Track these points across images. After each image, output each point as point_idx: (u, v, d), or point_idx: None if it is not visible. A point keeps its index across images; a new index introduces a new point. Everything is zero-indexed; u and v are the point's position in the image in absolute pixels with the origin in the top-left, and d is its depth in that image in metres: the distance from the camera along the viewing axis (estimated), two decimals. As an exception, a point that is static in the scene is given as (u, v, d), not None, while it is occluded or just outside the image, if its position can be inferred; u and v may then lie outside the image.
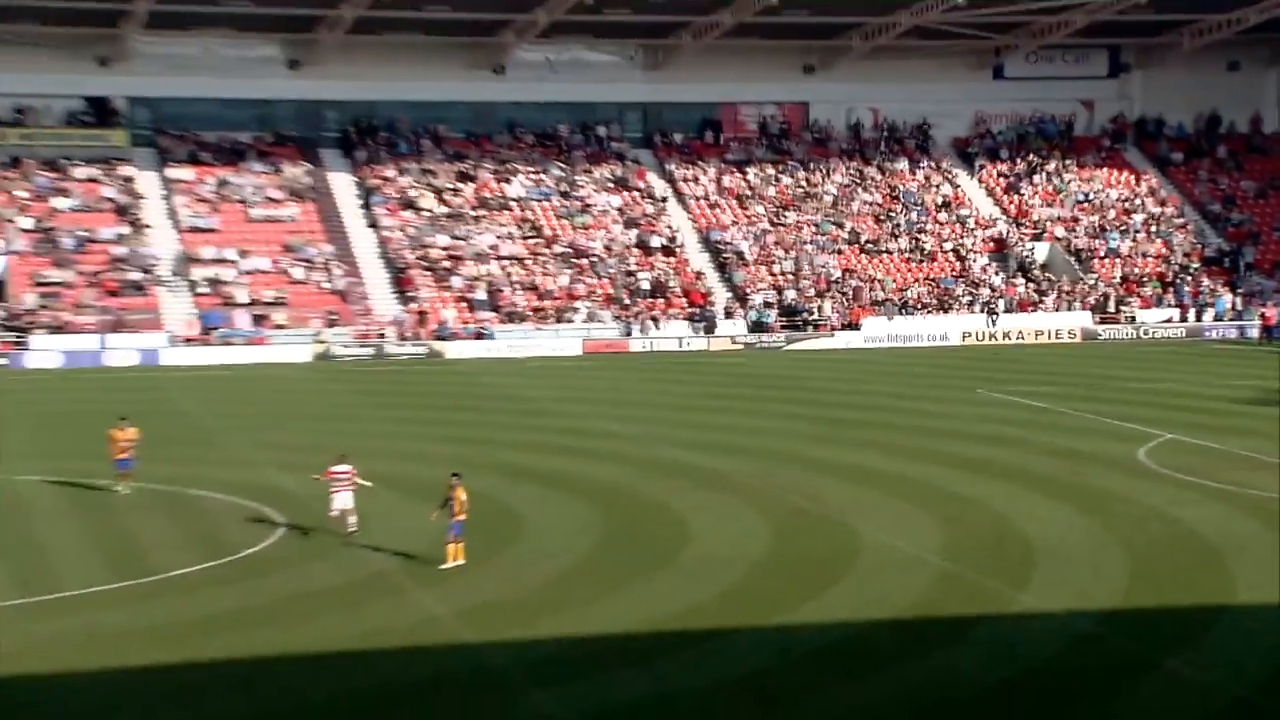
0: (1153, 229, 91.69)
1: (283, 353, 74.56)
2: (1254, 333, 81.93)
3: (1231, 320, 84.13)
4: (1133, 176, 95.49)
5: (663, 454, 51.65)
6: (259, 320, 76.51)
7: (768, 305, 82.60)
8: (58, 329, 73.89)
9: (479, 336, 77.79)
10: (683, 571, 36.40)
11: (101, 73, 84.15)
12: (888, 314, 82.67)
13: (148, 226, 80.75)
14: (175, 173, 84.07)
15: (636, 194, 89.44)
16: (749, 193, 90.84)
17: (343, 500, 39.70)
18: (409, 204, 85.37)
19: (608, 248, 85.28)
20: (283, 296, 78.35)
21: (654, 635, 31.00)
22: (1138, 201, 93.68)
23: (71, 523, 40.70)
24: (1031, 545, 39.14)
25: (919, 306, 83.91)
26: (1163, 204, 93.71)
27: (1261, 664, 29.47)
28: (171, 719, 26.28)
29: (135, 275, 77.66)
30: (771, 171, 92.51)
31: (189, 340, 74.85)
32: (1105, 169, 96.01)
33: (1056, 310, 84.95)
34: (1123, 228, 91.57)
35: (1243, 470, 47.64)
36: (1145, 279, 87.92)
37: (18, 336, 72.79)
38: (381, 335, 76.96)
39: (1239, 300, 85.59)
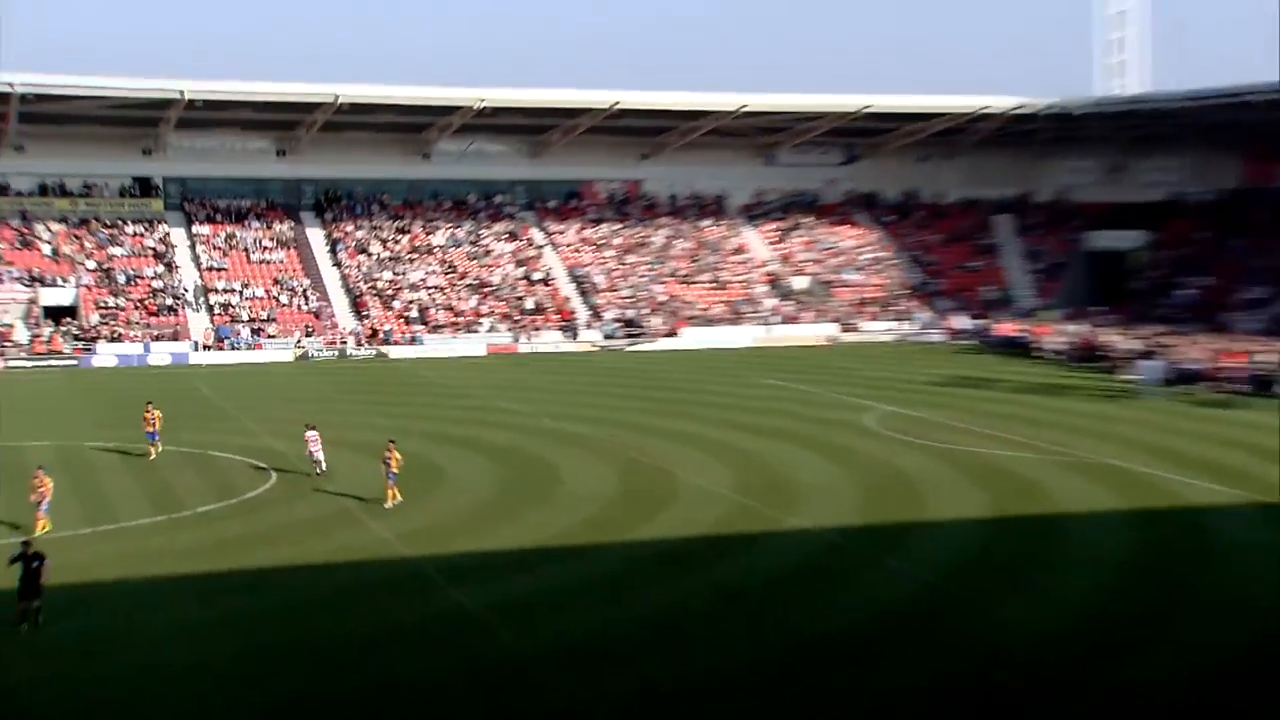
0: (875, 268, 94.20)
1: (273, 355, 75.93)
2: (942, 336, 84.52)
3: (927, 329, 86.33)
4: (861, 232, 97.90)
5: (541, 424, 52.50)
6: (256, 332, 78.01)
7: (614, 320, 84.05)
8: (114, 339, 74.89)
9: (412, 342, 78.82)
10: (556, 505, 38.13)
11: (145, 160, 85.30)
12: (696, 325, 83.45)
13: (177, 267, 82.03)
14: (197, 229, 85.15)
15: (522, 243, 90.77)
16: (601, 242, 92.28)
17: (316, 451, 41.88)
18: (363, 249, 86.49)
19: (502, 280, 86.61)
20: (273, 315, 79.81)
21: (537, 550, 32.78)
22: (864, 249, 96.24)
23: (124, 475, 41.71)
24: (796, 484, 41.15)
25: (718, 321, 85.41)
26: (881, 250, 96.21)
27: (945, 558, 32.48)
28: (197, 614, 27.67)
29: (169, 301, 79.04)
30: (617, 228, 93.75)
31: (207, 347, 76.01)
32: (843, 226, 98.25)
33: (812, 323, 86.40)
34: (855, 266, 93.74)
35: (938, 431, 49.90)
36: (871, 301, 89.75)
37: (86, 345, 73.98)
38: (344, 343, 78.26)
39: (932, 316, 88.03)
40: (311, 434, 42.79)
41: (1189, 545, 34.78)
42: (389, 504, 36.62)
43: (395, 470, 36.77)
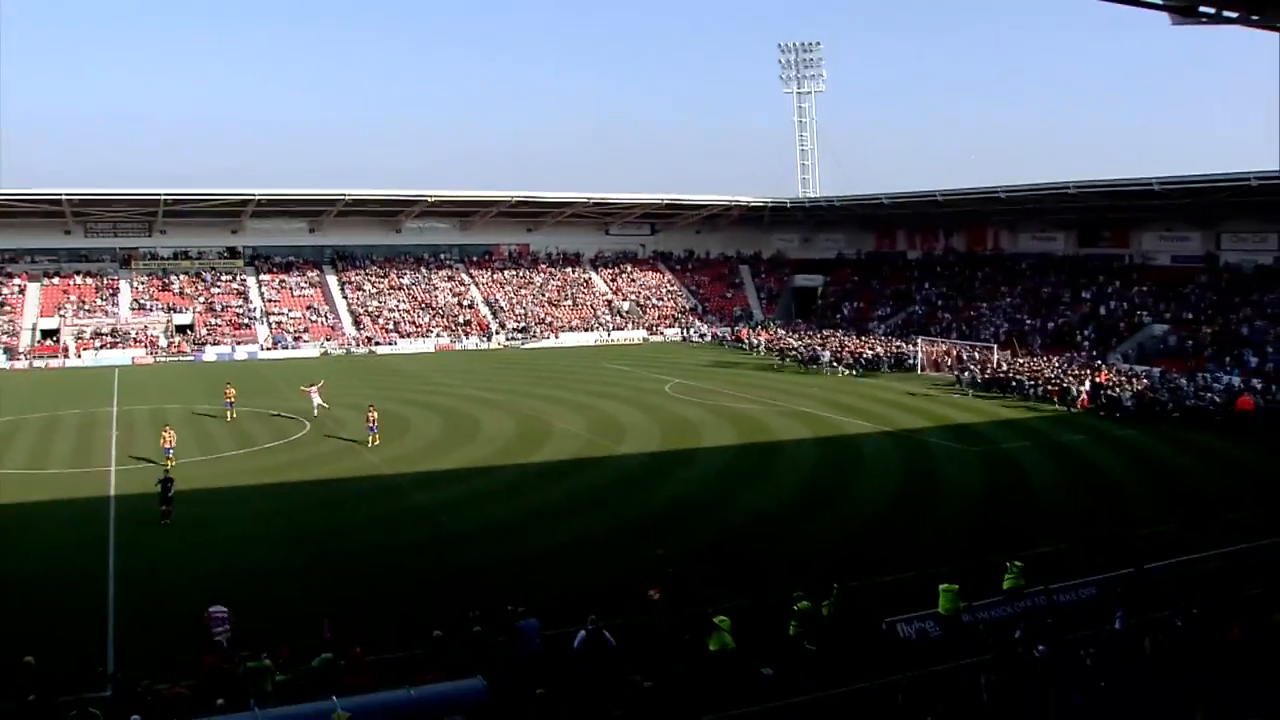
0: (669, 297, 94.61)
1: (306, 353, 75.21)
2: (707, 340, 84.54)
3: (700, 334, 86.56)
4: (660, 275, 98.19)
5: (469, 393, 51.49)
6: (295, 339, 77.21)
7: (513, 329, 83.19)
8: (214, 343, 74.28)
9: (391, 343, 77.77)
10: (478, 442, 38.32)
11: (232, 235, 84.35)
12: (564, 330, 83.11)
13: (249, 300, 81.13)
14: (263, 278, 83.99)
15: (456, 282, 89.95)
16: (506, 282, 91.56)
17: (317, 399, 43.97)
18: (360, 289, 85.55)
19: (445, 303, 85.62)
20: (307, 328, 79.23)
21: (467, 469, 33.59)
22: (665, 286, 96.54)
23: (219, 425, 42.03)
24: (623, 426, 41.30)
25: (577, 329, 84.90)
26: (673, 287, 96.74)
27: (714, 472, 33.06)
28: (263, 506, 28.75)
29: (245, 320, 78.21)
30: (516, 274, 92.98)
31: (268, 348, 75.38)
32: (650, 272, 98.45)
33: (635, 329, 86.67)
34: (657, 298, 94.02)
35: (707, 394, 50.29)
36: (666, 316, 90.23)
37: (197, 347, 73.43)
38: (349, 345, 77.41)
39: (705, 325, 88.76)
40: (312, 389, 43.81)
41: (849, 456, 36.22)
42: (371, 445, 36.82)
43: (373, 424, 37.18)
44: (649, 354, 73.32)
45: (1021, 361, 56.73)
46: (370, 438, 36.59)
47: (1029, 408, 46.69)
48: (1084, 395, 46.37)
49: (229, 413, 43.04)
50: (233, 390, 43.57)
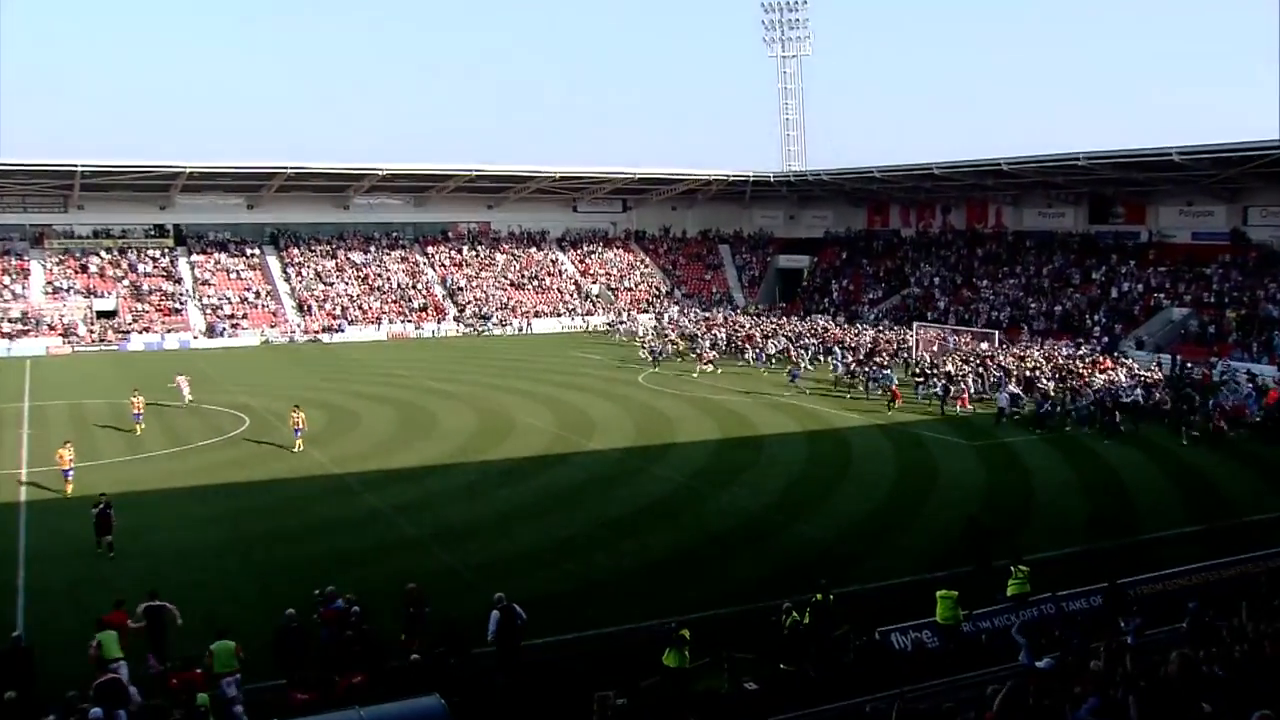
0: (644, 279, 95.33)
1: (245, 341, 75.08)
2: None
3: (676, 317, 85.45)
4: (633, 256, 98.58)
5: (424, 384, 52.04)
6: (234, 326, 76.98)
7: (472, 315, 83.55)
8: (142, 331, 73.82)
9: (339, 331, 77.92)
10: (435, 438, 38.54)
11: (161, 212, 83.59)
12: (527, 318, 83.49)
13: (182, 282, 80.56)
14: (195, 259, 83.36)
15: (411, 264, 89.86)
16: (465, 262, 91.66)
17: (186, 391, 45.01)
18: (304, 271, 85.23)
19: (399, 287, 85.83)
20: (246, 314, 78.91)
21: (424, 468, 33.65)
22: (637, 267, 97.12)
23: (150, 421, 41.11)
24: (593, 419, 41.83)
25: (543, 315, 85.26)
26: (647, 268, 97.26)
27: (692, 467, 33.63)
28: (199, 511, 28.43)
29: (177, 305, 77.79)
30: (476, 253, 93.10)
31: (202, 336, 75.03)
32: (622, 251, 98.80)
33: (603, 315, 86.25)
34: (628, 278, 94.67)
35: (687, 385, 50.91)
36: (643, 300, 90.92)
37: (122, 335, 72.91)
38: (293, 333, 77.60)
39: (680, 309, 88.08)
40: (181, 379, 44.50)
41: (839, 451, 36.61)
42: (295, 449, 35.94)
43: (299, 426, 36.20)
44: (620, 343, 72.93)
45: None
46: (295, 441, 35.90)
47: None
48: (964, 395, 45.06)
49: (137, 426, 39.75)
50: (141, 400, 40.14)
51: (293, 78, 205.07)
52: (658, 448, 36.84)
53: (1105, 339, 60.56)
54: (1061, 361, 51.10)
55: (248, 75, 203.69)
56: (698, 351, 59.57)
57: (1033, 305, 69.47)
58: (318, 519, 27.97)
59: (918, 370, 51.52)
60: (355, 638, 17.31)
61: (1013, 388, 44.27)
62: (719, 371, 55.58)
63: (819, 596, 18.58)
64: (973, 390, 46.02)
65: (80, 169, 72.09)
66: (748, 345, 62.87)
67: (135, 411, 39.53)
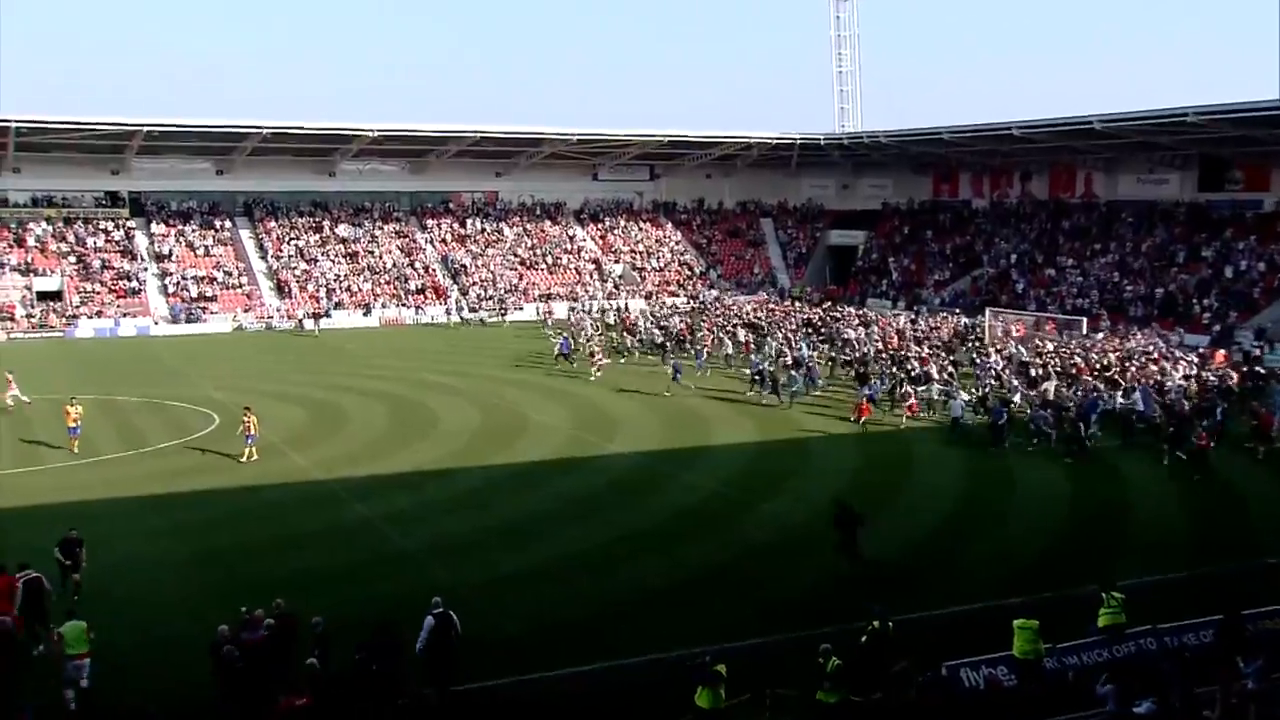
0: (674, 257, 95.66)
1: (215, 328, 75.51)
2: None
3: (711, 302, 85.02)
4: (662, 231, 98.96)
5: (421, 376, 52.80)
6: (202, 310, 77.57)
7: (477, 297, 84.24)
8: (92, 316, 74.42)
9: (324, 316, 77.82)
10: (434, 439, 39.40)
11: (114, 178, 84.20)
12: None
13: (140, 259, 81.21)
14: (156, 229, 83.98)
15: (407, 239, 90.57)
16: (466, 237, 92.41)
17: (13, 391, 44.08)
18: (282, 244, 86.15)
19: (393, 266, 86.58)
20: (215, 296, 79.49)
21: (420, 473, 34.30)
22: (666, 244, 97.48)
23: (100, 419, 41.57)
24: (614, 419, 42.40)
25: (556, 298, 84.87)
26: (678, 245, 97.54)
27: (728, 476, 33.83)
28: (155, 522, 28.58)
29: (134, 285, 78.18)
30: (480, 227, 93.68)
31: (164, 322, 75.62)
32: (649, 226, 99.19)
33: (626, 298, 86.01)
34: (656, 257, 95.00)
35: (716, 381, 50.33)
36: (669, 283, 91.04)
37: (69, 320, 73.40)
38: (270, 318, 78.14)
39: (715, 292, 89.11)
40: (9, 376, 44.54)
41: (898, 457, 36.74)
42: (245, 458, 35.32)
43: (252, 432, 35.40)
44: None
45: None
46: (245, 449, 35.49)
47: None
48: (912, 401, 43.08)
49: (73, 441, 37.25)
50: (79, 409, 37.43)
51: (269, 21, 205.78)
52: (688, 451, 37.18)
53: (1217, 328, 59.89)
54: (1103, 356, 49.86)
55: (218, 19, 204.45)
56: (593, 350, 56.48)
57: (1129, 288, 69.04)
58: (296, 531, 28.14)
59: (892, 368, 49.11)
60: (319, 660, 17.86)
61: (964, 395, 41.61)
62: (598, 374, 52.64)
63: (875, 624, 18.40)
64: (936, 394, 43.62)
65: (15, 125, 71.97)
66: (690, 338, 61.70)
67: (71, 425, 36.66)
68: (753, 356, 53.47)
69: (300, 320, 77.10)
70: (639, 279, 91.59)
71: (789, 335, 59.85)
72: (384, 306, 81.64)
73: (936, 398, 43.49)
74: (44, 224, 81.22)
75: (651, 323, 68.66)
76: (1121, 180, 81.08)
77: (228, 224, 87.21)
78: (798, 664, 18.09)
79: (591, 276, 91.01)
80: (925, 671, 17.85)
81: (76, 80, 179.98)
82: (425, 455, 36.59)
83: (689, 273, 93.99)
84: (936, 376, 45.40)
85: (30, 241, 79.59)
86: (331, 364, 58.18)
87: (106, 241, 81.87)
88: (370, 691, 17.30)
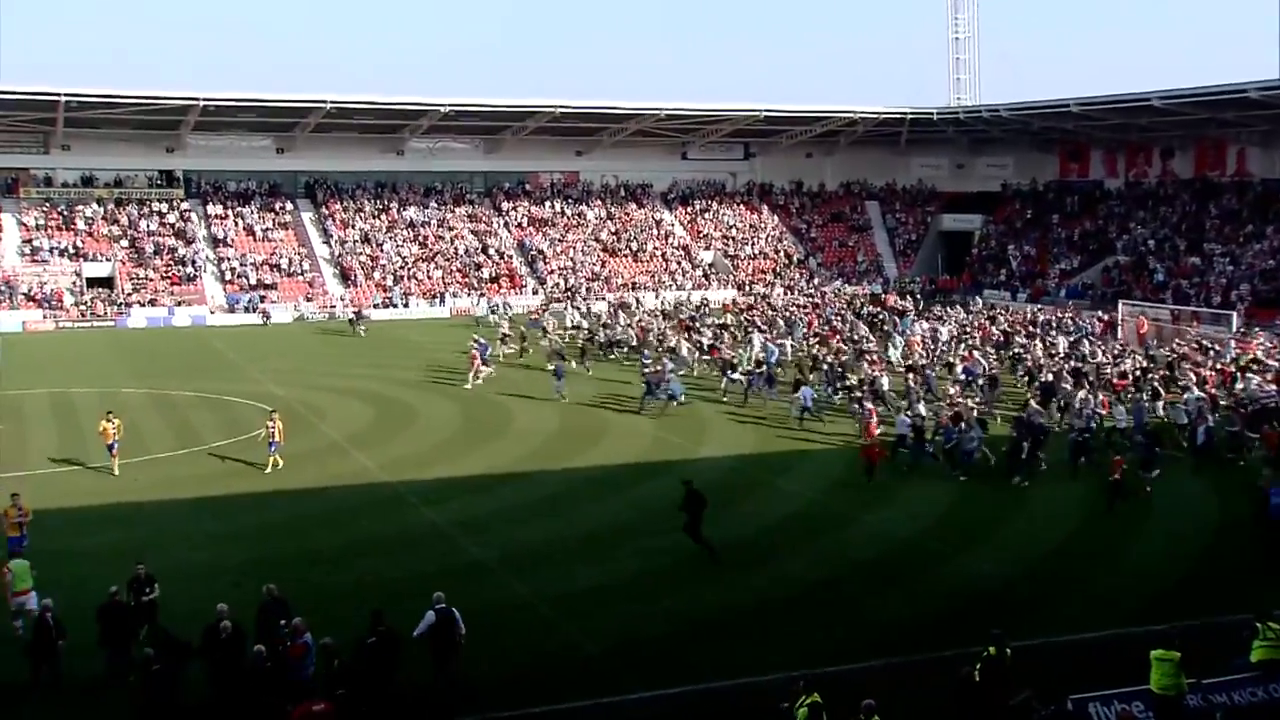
0: (770, 244, 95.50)
1: (275, 318, 76.30)
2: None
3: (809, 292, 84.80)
4: (757, 215, 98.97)
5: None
6: (261, 299, 78.64)
7: (555, 285, 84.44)
8: (145, 304, 75.96)
9: (389, 306, 79.31)
10: (509, 439, 39.67)
11: (168, 156, 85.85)
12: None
13: (196, 242, 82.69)
14: (212, 209, 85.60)
15: (479, 222, 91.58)
16: (544, 221, 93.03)
17: None
18: (347, 225, 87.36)
19: (464, 252, 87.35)
20: (275, 283, 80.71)
21: (492, 477, 34.36)
22: (760, 229, 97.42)
23: (153, 415, 42.80)
24: (704, 419, 42.45)
25: (639, 288, 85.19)
26: (774, 229, 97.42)
27: (824, 480, 33.96)
28: (213, 527, 28.85)
29: (189, 271, 79.72)
30: (560, 209, 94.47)
31: (220, 311, 76.92)
32: (743, 209, 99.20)
33: (719, 289, 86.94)
34: (751, 243, 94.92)
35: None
36: (765, 271, 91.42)
37: (120, 308, 74.94)
38: (332, 307, 78.92)
39: (815, 282, 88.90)
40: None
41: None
42: (269, 468, 34.85)
43: (275, 439, 34.72)
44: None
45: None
46: (269, 457, 35.04)
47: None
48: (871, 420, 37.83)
49: (112, 461, 35.05)
50: (117, 422, 35.00)
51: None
52: (784, 455, 37.14)
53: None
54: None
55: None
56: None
57: (1287, 277, 67.71)
58: (360, 538, 28.34)
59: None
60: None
61: (922, 409, 37.86)
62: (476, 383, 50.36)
63: (991, 650, 18.06)
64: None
65: (65, 99, 73.38)
66: (645, 339, 58.18)
67: (108, 442, 34.48)
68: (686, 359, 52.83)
69: (360, 310, 76.87)
70: (731, 267, 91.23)
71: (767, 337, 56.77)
72: (454, 296, 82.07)
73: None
74: (94, 205, 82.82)
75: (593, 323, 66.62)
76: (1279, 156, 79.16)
77: (288, 206, 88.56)
78: (905, 692, 18.14)
79: (680, 264, 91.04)
80: (1049, 705, 17.47)
81: (129, 52, 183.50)
82: (499, 457, 36.69)
83: (786, 261, 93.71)
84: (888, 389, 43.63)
85: (79, 224, 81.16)
86: (400, 357, 58.33)
87: (160, 224, 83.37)
88: (374, 678, 18.09)
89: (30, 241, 78.76)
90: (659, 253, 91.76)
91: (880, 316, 65.16)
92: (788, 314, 66.46)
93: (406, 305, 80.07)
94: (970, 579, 25.74)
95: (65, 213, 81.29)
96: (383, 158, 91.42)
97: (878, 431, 36.51)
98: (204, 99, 76.26)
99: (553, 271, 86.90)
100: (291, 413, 42.98)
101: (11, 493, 26.60)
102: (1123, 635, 21.44)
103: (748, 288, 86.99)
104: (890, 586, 25.28)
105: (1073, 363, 47.11)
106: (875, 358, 50.15)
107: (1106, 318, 62.16)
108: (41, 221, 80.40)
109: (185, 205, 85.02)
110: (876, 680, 19.17)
